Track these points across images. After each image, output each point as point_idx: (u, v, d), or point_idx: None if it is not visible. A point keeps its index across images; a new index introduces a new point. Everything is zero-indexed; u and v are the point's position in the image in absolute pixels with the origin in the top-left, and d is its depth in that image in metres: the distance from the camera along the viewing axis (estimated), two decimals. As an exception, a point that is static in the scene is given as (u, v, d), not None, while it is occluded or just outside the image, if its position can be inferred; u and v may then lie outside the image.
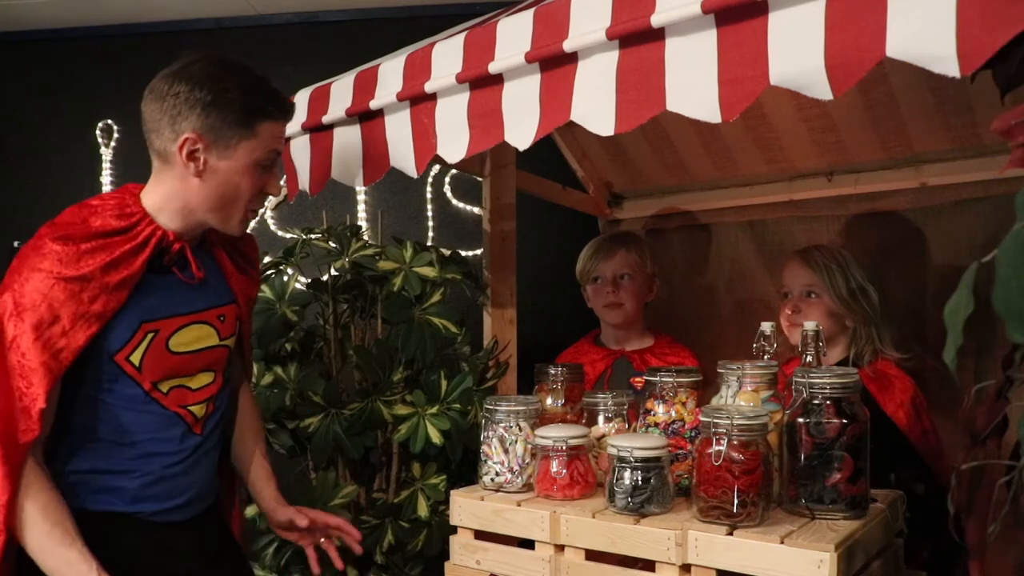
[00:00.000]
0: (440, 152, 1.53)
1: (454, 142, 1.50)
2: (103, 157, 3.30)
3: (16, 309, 1.27)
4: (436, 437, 1.89)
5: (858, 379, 1.30)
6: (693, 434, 1.42)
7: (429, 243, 2.79)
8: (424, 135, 1.56)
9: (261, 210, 1.52)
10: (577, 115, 1.29)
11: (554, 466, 1.43)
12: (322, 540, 1.61)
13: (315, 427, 1.92)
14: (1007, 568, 1.01)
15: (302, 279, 2.16)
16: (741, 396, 1.38)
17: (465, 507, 1.51)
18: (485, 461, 1.54)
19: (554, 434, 1.44)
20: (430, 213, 3.14)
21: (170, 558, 1.43)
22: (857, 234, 2.27)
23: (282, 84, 1.48)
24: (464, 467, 1.97)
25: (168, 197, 1.39)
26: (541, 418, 1.59)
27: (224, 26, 3.26)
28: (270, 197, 1.50)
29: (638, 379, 2.14)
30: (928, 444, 1.83)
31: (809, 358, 1.47)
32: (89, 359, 1.33)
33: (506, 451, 1.51)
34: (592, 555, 1.34)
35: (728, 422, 1.22)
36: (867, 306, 1.90)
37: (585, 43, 1.25)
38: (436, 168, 3.09)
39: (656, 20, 1.15)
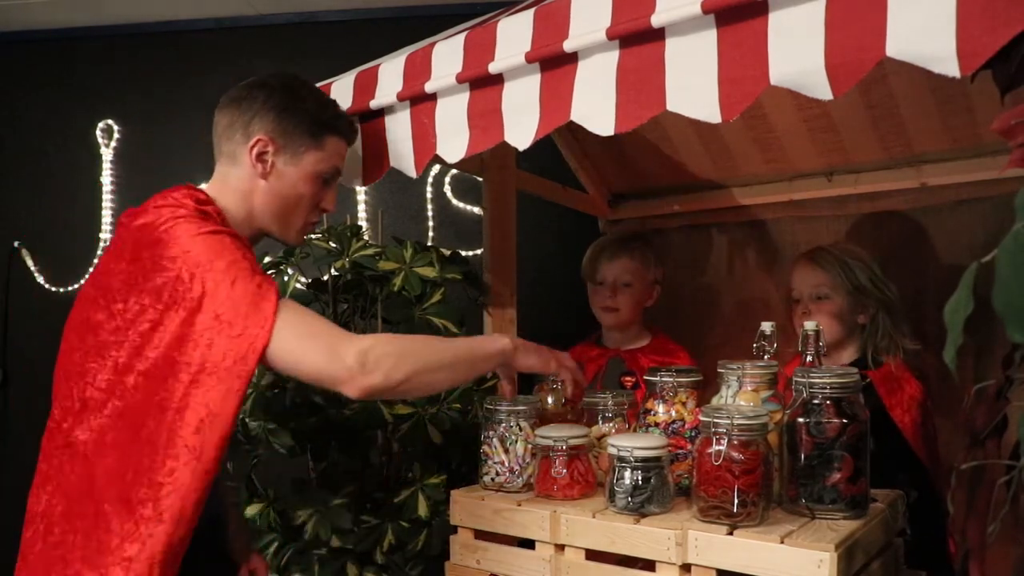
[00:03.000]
0: (440, 152, 1.53)
1: (454, 142, 1.50)
2: (103, 157, 3.30)
3: None
4: (436, 437, 1.89)
5: (858, 379, 1.30)
6: (693, 434, 1.42)
7: (429, 243, 2.79)
8: (424, 135, 1.56)
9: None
10: (577, 115, 1.29)
11: (554, 466, 1.43)
12: None
13: (315, 427, 1.92)
14: (1007, 568, 1.01)
15: (302, 279, 2.16)
16: (741, 396, 1.38)
17: (465, 507, 1.51)
18: (485, 461, 1.54)
19: (554, 434, 1.44)
20: (430, 213, 3.15)
21: None
22: (857, 234, 2.27)
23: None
24: (464, 467, 1.97)
25: (232, 202, 1.42)
26: (541, 418, 1.59)
27: (224, 26, 3.27)
28: None
29: (628, 378, 2.15)
30: (929, 449, 1.83)
31: (809, 358, 1.47)
32: None
33: (506, 451, 1.51)
34: (592, 555, 1.34)
35: (728, 422, 1.22)
36: (887, 292, 1.90)
37: (585, 43, 1.25)
38: (436, 168, 3.09)
39: (656, 20, 1.15)
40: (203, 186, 1.43)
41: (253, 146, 1.40)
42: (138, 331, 1.22)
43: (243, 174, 1.42)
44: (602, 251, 2.25)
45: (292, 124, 1.41)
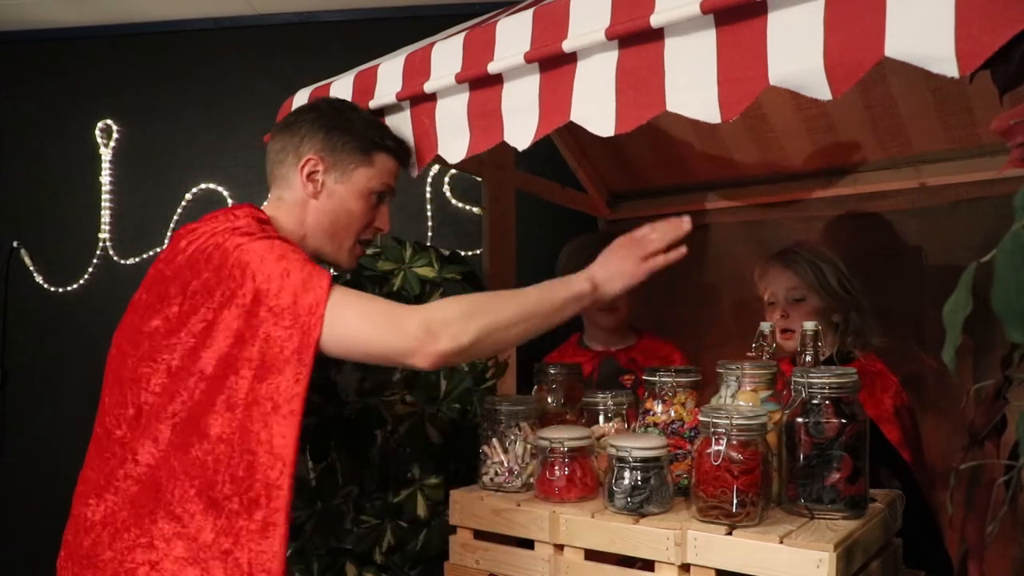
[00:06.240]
0: (441, 152, 1.53)
1: (455, 142, 1.50)
2: (102, 157, 3.30)
3: None
4: (435, 437, 1.89)
5: (857, 379, 1.30)
6: (692, 434, 1.42)
7: (429, 243, 2.79)
8: (425, 135, 1.56)
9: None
10: (577, 116, 1.29)
11: (554, 469, 1.43)
12: None
13: (314, 427, 1.92)
14: (1006, 568, 1.01)
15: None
16: (740, 396, 1.39)
17: (465, 507, 1.51)
18: (485, 461, 1.54)
19: (553, 435, 1.44)
20: (430, 213, 3.14)
21: None
22: (856, 234, 2.27)
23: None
24: (464, 467, 1.97)
25: (287, 225, 1.42)
26: (540, 418, 1.59)
27: (224, 26, 3.26)
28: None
29: (627, 377, 2.14)
30: (908, 442, 1.81)
31: (808, 358, 1.47)
32: None
33: (506, 451, 1.51)
34: (591, 555, 1.34)
35: (727, 422, 1.22)
36: (856, 292, 1.89)
37: (584, 43, 1.25)
38: (435, 168, 3.09)
39: (655, 20, 1.15)
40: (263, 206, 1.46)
41: (303, 166, 1.42)
42: (191, 332, 1.23)
43: (295, 196, 1.44)
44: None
45: (341, 142, 1.43)
